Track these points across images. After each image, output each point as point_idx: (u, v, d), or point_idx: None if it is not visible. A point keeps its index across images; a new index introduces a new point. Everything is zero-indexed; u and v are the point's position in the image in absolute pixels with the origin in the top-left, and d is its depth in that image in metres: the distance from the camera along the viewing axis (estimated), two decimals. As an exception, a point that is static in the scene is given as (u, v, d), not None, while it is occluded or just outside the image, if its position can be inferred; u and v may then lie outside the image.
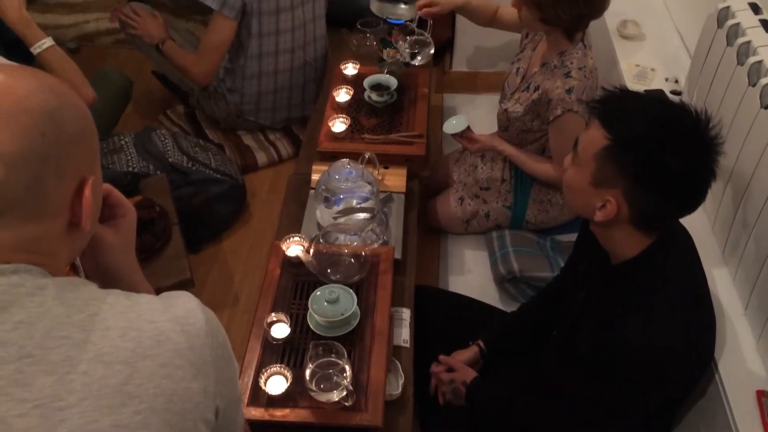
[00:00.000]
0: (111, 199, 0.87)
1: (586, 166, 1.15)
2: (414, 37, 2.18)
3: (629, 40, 2.27)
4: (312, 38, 2.51)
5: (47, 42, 1.83)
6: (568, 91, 1.71)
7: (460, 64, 2.90)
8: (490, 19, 2.20)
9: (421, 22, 2.20)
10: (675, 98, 1.93)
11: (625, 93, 1.20)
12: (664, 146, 1.09)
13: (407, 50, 2.18)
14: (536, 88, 1.82)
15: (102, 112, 2.23)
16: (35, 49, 1.82)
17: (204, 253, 2.29)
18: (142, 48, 2.57)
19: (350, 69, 2.28)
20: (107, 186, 0.86)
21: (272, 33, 2.37)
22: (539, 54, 1.90)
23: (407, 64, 2.28)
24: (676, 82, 2.06)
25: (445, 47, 2.91)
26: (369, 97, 2.18)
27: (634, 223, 1.14)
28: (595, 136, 1.13)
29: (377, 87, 2.17)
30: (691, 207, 1.17)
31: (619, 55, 2.20)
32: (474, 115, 2.74)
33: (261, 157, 2.56)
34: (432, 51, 2.20)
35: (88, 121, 0.77)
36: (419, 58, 2.20)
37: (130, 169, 2.11)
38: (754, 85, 1.42)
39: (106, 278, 0.86)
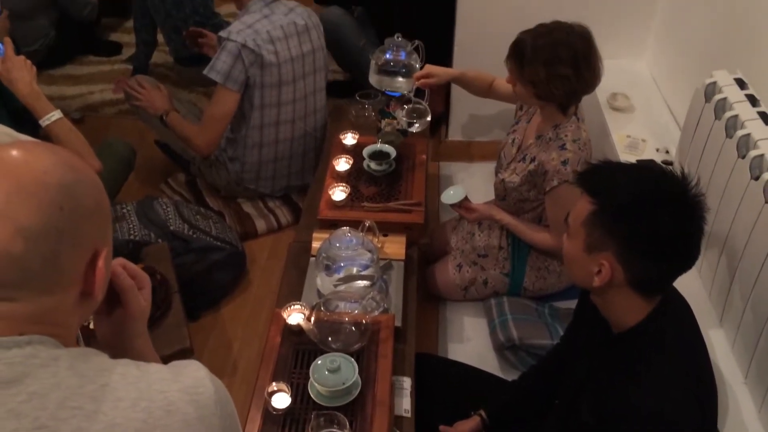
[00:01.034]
0: (128, 272, 0.89)
1: (577, 235, 1.19)
2: (411, 106, 2.25)
3: (620, 112, 2.35)
4: (312, 109, 2.58)
5: (56, 114, 1.88)
6: (564, 162, 1.76)
7: (455, 133, 2.97)
8: (486, 90, 2.27)
9: (419, 92, 2.28)
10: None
11: (607, 163, 1.26)
12: (647, 206, 1.12)
13: (405, 118, 2.26)
14: (532, 160, 1.87)
15: (106, 182, 2.22)
16: (44, 122, 1.87)
17: (203, 320, 2.28)
18: (146, 118, 2.63)
19: (349, 139, 2.34)
20: (122, 260, 0.88)
21: (274, 105, 2.44)
22: (534, 126, 1.96)
23: (405, 132, 2.34)
24: (667, 152, 2.12)
25: (441, 117, 2.99)
26: (368, 166, 2.23)
27: (632, 285, 1.16)
28: (582, 205, 1.18)
29: (376, 156, 2.22)
30: (684, 265, 1.18)
31: (611, 127, 2.27)
32: (470, 183, 2.80)
33: (260, 225, 2.59)
34: (429, 119, 2.27)
35: (103, 194, 0.80)
36: (416, 125, 2.27)
37: (132, 237, 2.12)
38: (743, 158, 1.47)
39: (119, 347, 0.87)
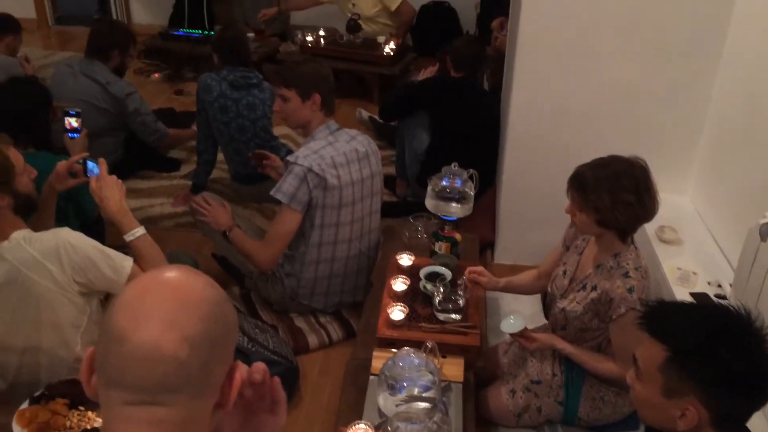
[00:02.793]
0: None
1: (652, 381, 1.21)
2: (449, 292, 2.20)
3: (668, 245, 2.43)
4: (368, 230, 2.70)
5: (140, 230, 2.00)
6: (630, 290, 1.82)
7: (501, 257, 3.06)
8: (533, 285, 2.36)
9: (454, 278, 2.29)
10: (722, 302, 2.03)
11: (666, 304, 1.30)
12: (721, 348, 1.16)
13: (440, 299, 2.19)
14: (594, 288, 1.93)
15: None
16: (128, 237, 1.99)
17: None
18: (209, 233, 2.77)
19: (405, 259, 2.44)
20: (262, 365, 0.94)
21: (333, 225, 2.56)
22: (590, 257, 2.03)
23: (458, 255, 2.44)
24: (719, 286, 2.17)
25: (488, 245, 3.09)
26: (424, 287, 2.31)
27: (716, 425, 1.18)
28: (653, 351, 1.21)
29: (432, 277, 2.30)
30: (762, 399, 1.21)
31: (661, 259, 2.34)
32: (515, 307, 2.85)
33: (312, 340, 2.64)
34: (459, 317, 2.21)
35: (235, 313, 0.89)
36: (451, 316, 2.20)
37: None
38: (804, 296, 1.53)
39: None
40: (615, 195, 1.85)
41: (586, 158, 1.96)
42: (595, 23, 2.56)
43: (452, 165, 2.47)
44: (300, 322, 2.71)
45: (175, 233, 3.37)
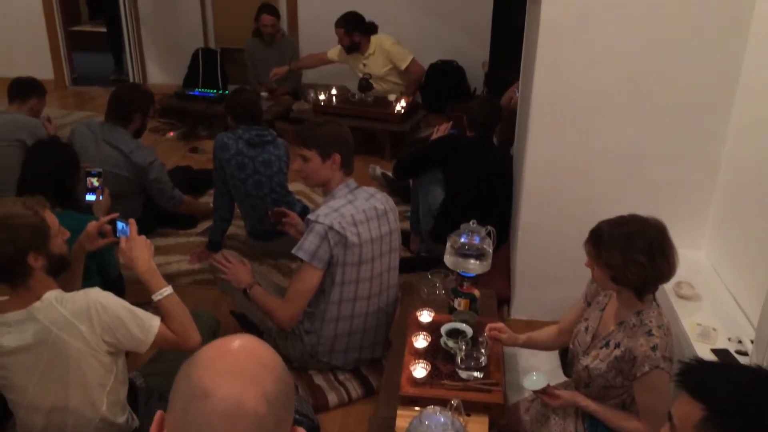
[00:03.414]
0: None
1: None
2: (471, 348, 2.23)
3: (686, 300, 2.45)
4: (387, 286, 2.73)
5: (167, 290, 2.03)
6: (653, 348, 1.84)
7: (517, 312, 3.07)
8: (555, 340, 2.37)
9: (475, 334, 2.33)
10: (742, 358, 2.05)
11: (703, 362, 1.32)
12: (756, 408, 1.18)
13: (462, 355, 2.21)
14: (617, 345, 1.95)
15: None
16: (157, 296, 2.02)
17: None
18: (229, 290, 2.79)
19: (425, 316, 2.46)
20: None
21: (353, 281, 2.59)
22: (612, 313, 2.05)
23: (477, 311, 2.46)
24: (740, 342, 2.19)
25: (504, 300, 3.11)
26: (446, 343, 2.32)
27: None
28: (689, 409, 1.21)
29: (454, 334, 2.32)
30: None
31: (680, 315, 2.36)
32: (533, 363, 2.84)
33: (332, 398, 2.64)
34: (481, 375, 2.23)
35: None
36: (474, 374, 2.21)
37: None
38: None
39: None
40: (626, 254, 1.88)
41: (601, 215, 2.01)
42: (607, 85, 2.65)
43: (471, 222, 2.52)
44: (319, 380, 2.71)
45: (192, 290, 3.39)
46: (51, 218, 1.90)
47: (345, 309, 2.63)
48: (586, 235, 1.99)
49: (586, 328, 2.12)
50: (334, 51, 5.33)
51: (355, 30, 5.08)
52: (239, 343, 0.91)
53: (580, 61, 2.64)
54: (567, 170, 2.80)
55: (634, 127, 2.68)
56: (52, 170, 2.63)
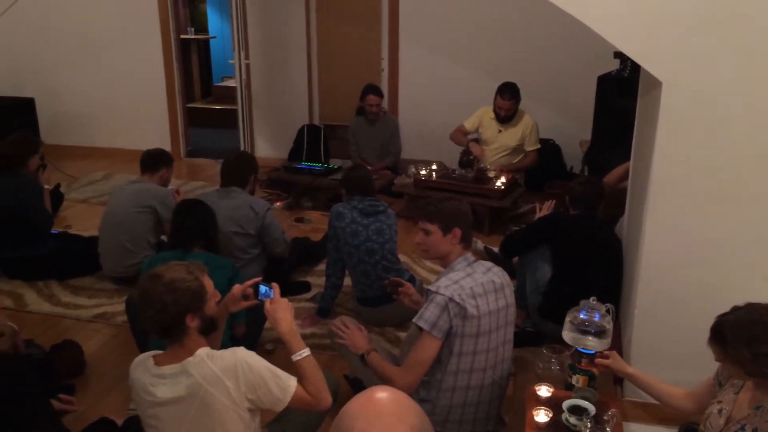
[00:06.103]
0: None
1: None
2: (593, 427, 2.23)
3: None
4: (501, 359, 2.75)
5: (306, 351, 2.16)
6: None
7: (633, 394, 3.01)
8: (675, 400, 2.40)
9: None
10: None
11: None
12: None
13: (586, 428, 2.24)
14: (754, 431, 1.91)
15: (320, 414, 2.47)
16: (296, 357, 2.15)
17: None
18: (346, 355, 2.90)
19: (544, 391, 2.47)
20: None
21: (470, 353, 2.64)
22: (747, 397, 2.01)
23: (596, 388, 2.46)
24: None
25: (616, 380, 3.06)
26: (567, 419, 2.32)
27: None
28: None
29: (576, 411, 2.32)
30: None
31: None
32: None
33: (446, 469, 2.65)
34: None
35: None
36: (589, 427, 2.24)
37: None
38: None
39: None
40: (754, 348, 1.87)
41: (726, 296, 1.99)
42: (728, 165, 2.60)
43: (591, 299, 2.54)
44: (432, 450, 2.73)
45: (305, 354, 3.52)
46: (208, 283, 2.07)
47: (461, 380, 2.67)
48: (709, 321, 1.99)
49: (720, 411, 2.08)
50: (470, 121, 5.64)
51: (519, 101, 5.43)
52: (377, 391, 1.06)
53: (702, 147, 2.61)
54: (688, 253, 2.74)
55: (759, 208, 2.63)
56: (200, 222, 3.11)
